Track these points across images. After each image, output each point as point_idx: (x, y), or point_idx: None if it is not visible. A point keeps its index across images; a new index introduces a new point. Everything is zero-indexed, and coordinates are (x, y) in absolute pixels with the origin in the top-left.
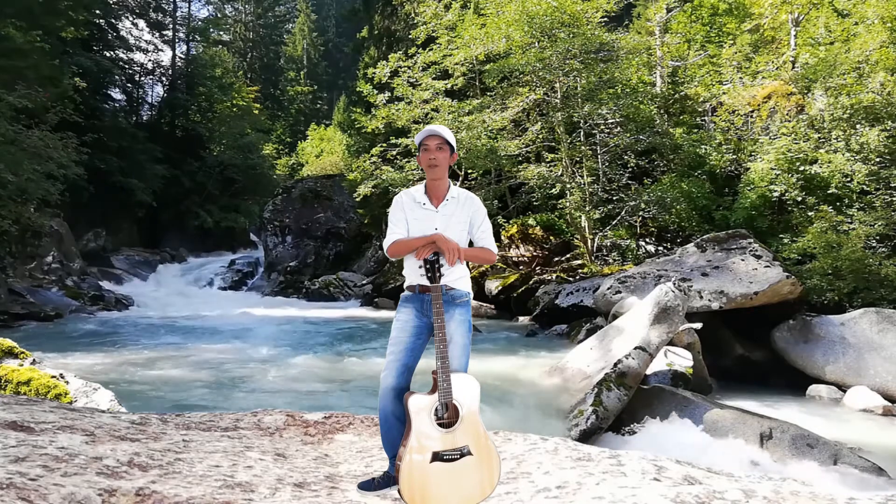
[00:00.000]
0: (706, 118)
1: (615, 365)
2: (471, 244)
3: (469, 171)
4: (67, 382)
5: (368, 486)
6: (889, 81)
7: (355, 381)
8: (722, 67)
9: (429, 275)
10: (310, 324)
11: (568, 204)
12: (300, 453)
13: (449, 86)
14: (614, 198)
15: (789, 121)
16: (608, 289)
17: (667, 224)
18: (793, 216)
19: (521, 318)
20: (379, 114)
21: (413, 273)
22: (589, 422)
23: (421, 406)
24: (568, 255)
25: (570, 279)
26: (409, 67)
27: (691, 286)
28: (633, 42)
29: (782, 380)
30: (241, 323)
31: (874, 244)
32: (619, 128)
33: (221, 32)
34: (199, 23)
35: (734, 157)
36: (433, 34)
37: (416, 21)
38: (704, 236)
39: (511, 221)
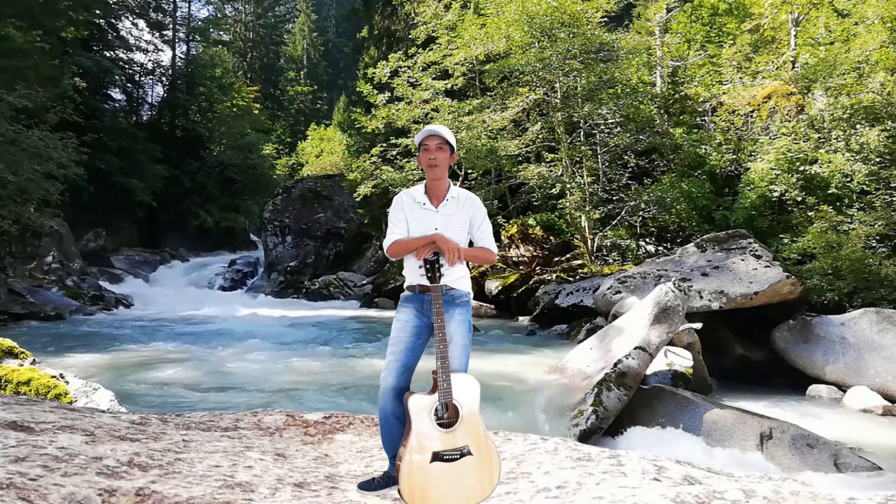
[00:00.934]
0: (706, 118)
1: (615, 365)
2: (471, 244)
3: (469, 171)
4: (67, 382)
5: (368, 486)
6: (889, 81)
7: (355, 381)
8: (722, 67)
9: (429, 275)
10: (310, 324)
11: (568, 204)
12: (300, 453)
13: (449, 86)
14: (614, 198)
15: (789, 121)
16: (608, 289)
17: (667, 224)
18: (793, 216)
19: (521, 318)
20: (379, 114)
21: (413, 273)
22: (589, 422)
23: (421, 406)
24: (568, 255)
25: (570, 279)
26: (409, 67)
27: (691, 286)
28: (633, 42)
29: (782, 380)
30: (240, 323)
31: (874, 244)
32: (619, 128)
33: (221, 32)
34: (199, 23)
35: (734, 157)
36: (433, 34)
37: (416, 21)
38: (704, 236)
39: (511, 221)
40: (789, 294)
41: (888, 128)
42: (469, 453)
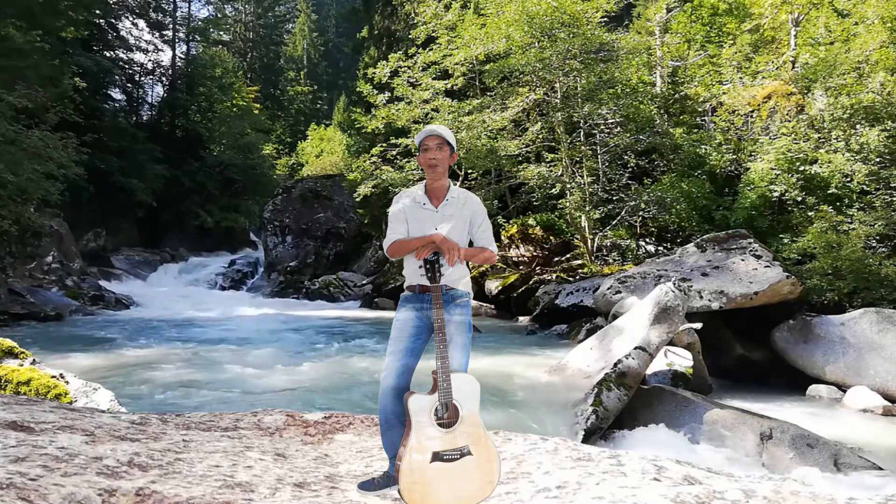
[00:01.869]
0: (706, 118)
1: (615, 365)
2: (471, 244)
3: (469, 171)
4: (67, 382)
5: (368, 486)
6: (889, 81)
7: (355, 381)
8: (722, 67)
9: (429, 275)
10: (310, 324)
11: (568, 204)
12: (300, 453)
13: (449, 86)
14: (614, 198)
15: (789, 121)
16: (608, 289)
17: (667, 224)
18: (793, 216)
19: (521, 318)
20: (379, 114)
21: (413, 273)
22: (589, 422)
23: (421, 406)
24: (568, 255)
25: (570, 279)
26: (409, 67)
27: (691, 286)
28: (633, 42)
29: (782, 380)
30: (241, 323)
31: (874, 244)
32: (619, 128)
33: (221, 32)
34: (199, 23)
35: (734, 157)
36: (433, 34)
37: (416, 21)
38: (704, 236)
39: (511, 221)
40: (789, 294)
41: (888, 128)
42: (469, 453)
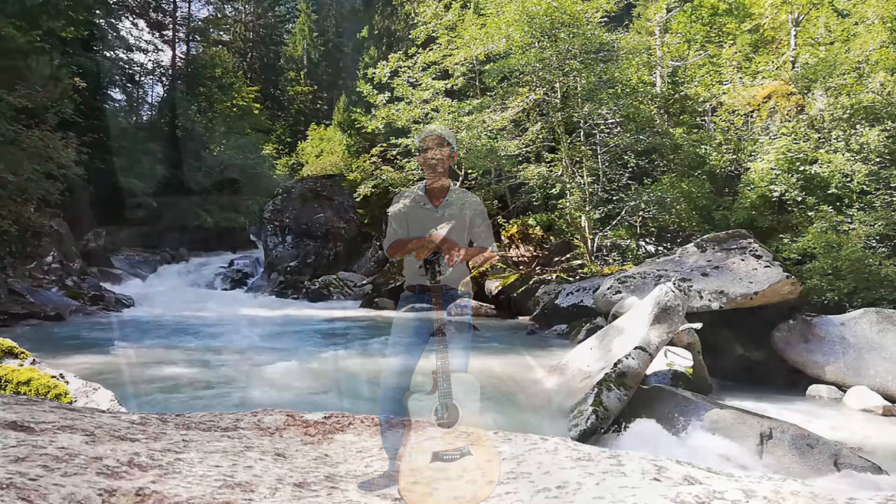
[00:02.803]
0: (706, 118)
1: (615, 365)
2: (471, 244)
3: (469, 171)
4: (67, 382)
5: (368, 486)
6: (889, 81)
7: (355, 381)
8: (722, 67)
9: (429, 275)
10: (310, 324)
11: (568, 204)
12: (300, 453)
13: (449, 86)
14: (614, 198)
15: (789, 121)
16: (608, 289)
17: (667, 224)
18: (793, 216)
19: (521, 318)
20: (379, 114)
21: (413, 273)
22: (589, 422)
23: (421, 406)
24: (568, 255)
25: (570, 279)
26: (409, 67)
27: (691, 286)
28: (633, 42)
29: (782, 380)
30: (241, 323)
31: (874, 244)
32: (619, 128)
33: (221, 32)
34: (199, 23)
35: (734, 157)
36: (433, 34)
37: (416, 21)
38: (704, 236)
39: (511, 221)
40: (789, 294)
41: (888, 128)
42: (469, 453)
